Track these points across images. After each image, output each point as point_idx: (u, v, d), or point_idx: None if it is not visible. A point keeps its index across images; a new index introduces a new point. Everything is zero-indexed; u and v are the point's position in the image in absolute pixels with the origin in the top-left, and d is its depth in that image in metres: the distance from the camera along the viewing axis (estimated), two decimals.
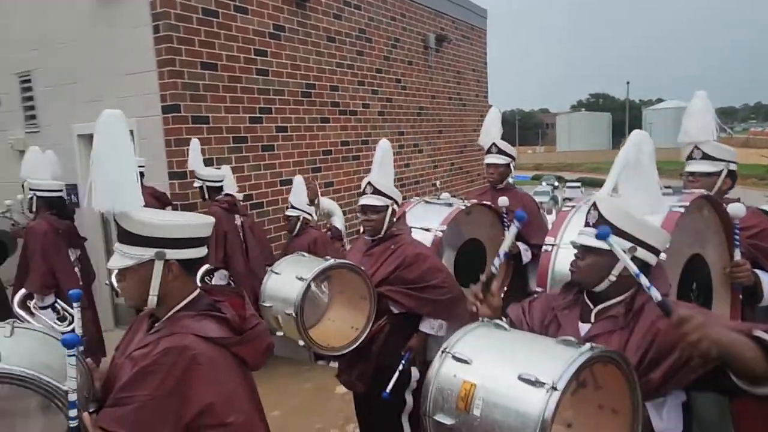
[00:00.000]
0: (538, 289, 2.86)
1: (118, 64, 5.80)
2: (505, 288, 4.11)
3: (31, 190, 4.76)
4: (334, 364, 5.54)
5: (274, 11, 6.57)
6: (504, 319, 1.97)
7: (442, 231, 3.56)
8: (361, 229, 3.22)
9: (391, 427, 3.14)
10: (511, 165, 4.37)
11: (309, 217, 5.35)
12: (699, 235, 2.59)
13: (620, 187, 1.99)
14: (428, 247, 3.29)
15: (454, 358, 1.59)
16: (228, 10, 5.99)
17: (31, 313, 4.16)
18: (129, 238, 1.55)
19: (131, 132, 5.62)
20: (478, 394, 1.49)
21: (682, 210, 2.30)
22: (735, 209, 2.57)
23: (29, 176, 4.83)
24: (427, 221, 3.65)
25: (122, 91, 5.79)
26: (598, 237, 1.74)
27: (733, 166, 2.94)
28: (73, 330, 1.59)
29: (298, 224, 5.24)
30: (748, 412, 2.13)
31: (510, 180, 4.44)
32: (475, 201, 3.99)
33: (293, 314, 2.67)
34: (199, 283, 1.73)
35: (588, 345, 1.49)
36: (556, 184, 38.93)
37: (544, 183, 37.85)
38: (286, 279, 2.85)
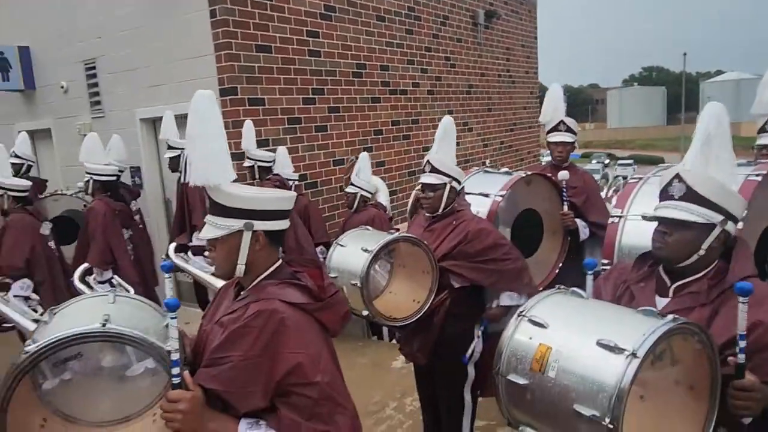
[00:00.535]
0: (604, 261, 2.85)
1: (177, 49, 5.99)
2: (560, 264, 4.09)
3: (88, 173, 5.10)
4: (387, 340, 5.69)
5: None
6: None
7: (501, 196, 3.56)
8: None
9: (452, 399, 3.20)
10: (576, 143, 4.31)
11: (368, 195, 5.42)
12: None
13: (694, 159, 1.95)
14: (490, 223, 3.31)
15: (531, 321, 1.63)
16: None
17: (90, 288, 4.43)
18: (220, 210, 1.64)
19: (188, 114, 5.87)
20: (554, 356, 1.52)
21: (759, 179, 2.24)
22: None
23: (86, 160, 5.15)
24: (485, 187, 3.66)
25: (181, 76, 5.98)
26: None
27: None
28: None
29: (357, 201, 5.32)
30: None
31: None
32: (535, 171, 3.97)
33: (358, 284, 2.76)
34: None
35: (670, 316, 1.49)
36: (607, 162, 37.82)
37: (594, 161, 36.82)
38: (352, 251, 2.94)
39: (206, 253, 1.72)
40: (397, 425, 4.12)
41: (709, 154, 1.85)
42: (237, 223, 1.63)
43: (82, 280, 4.54)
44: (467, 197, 3.34)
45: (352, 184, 5.35)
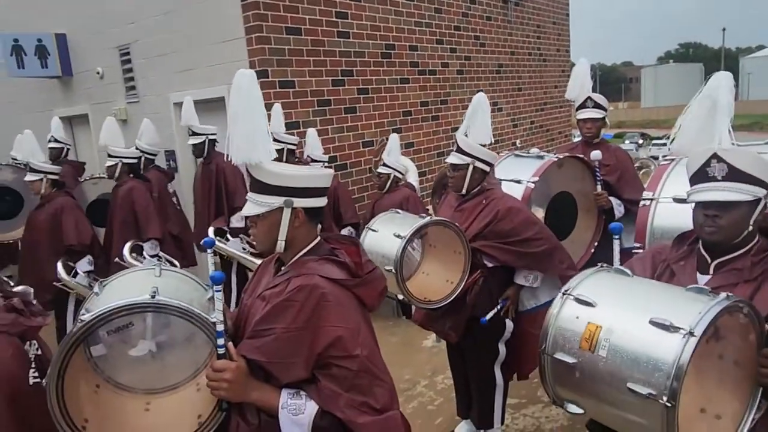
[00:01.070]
0: (636, 245, 2.81)
1: (209, 33, 6.06)
2: (596, 243, 4.05)
3: (113, 157, 5.16)
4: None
5: None
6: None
7: (533, 182, 3.54)
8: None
9: (483, 376, 3.24)
10: (606, 119, 4.24)
11: (400, 175, 5.44)
12: None
13: (725, 135, 1.93)
14: (520, 201, 3.30)
15: (577, 300, 1.63)
16: None
17: (140, 262, 4.57)
18: (261, 187, 1.68)
19: (222, 99, 5.88)
20: (604, 335, 1.52)
21: None
22: None
23: (108, 144, 5.26)
24: (517, 173, 3.64)
25: (213, 60, 6.06)
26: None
27: None
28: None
29: (389, 182, 5.35)
30: None
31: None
32: (567, 154, 3.93)
33: (393, 270, 2.79)
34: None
35: (723, 294, 1.48)
36: (641, 141, 36.89)
37: (627, 141, 35.97)
38: (384, 236, 2.97)
39: (250, 231, 1.76)
40: (428, 402, 4.18)
41: (728, 127, 1.82)
42: (277, 201, 1.67)
43: (131, 255, 4.71)
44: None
45: (385, 165, 5.37)
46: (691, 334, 1.38)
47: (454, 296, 3.01)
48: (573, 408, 1.66)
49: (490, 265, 3.07)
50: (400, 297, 2.92)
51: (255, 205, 1.70)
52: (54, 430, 1.53)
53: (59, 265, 4.32)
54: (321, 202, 1.76)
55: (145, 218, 4.97)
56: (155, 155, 6.18)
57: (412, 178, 6.95)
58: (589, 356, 1.54)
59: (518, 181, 3.53)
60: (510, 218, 3.02)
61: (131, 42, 7.02)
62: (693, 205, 1.85)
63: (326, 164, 5.74)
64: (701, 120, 2.21)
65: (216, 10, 5.92)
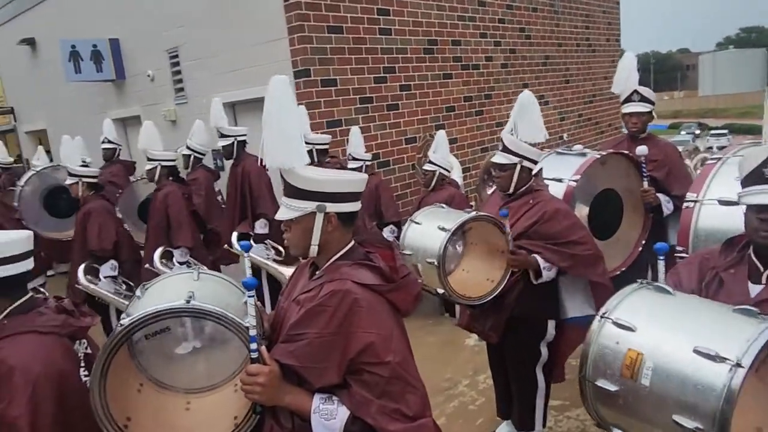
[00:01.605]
0: (679, 248, 2.70)
1: (253, 34, 6.17)
2: (643, 242, 3.91)
3: (152, 160, 5.21)
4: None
5: None
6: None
7: (575, 181, 3.44)
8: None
9: (524, 378, 3.18)
10: (653, 112, 4.09)
11: (446, 173, 5.38)
12: None
13: None
14: (567, 204, 3.22)
15: (616, 324, 1.56)
16: None
17: (169, 269, 4.65)
18: (294, 192, 1.70)
19: (264, 99, 6.01)
20: (646, 363, 1.45)
21: None
22: None
23: (148, 148, 5.36)
24: (559, 172, 3.55)
25: (257, 60, 6.16)
26: None
27: None
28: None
29: (434, 179, 5.30)
30: None
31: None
32: (611, 150, 3.80)
33: (435, 263, 2.77)
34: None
35: None
36: (698, 132, 35.39)
37: (683, 132, 34.59)
38: (427, 229, 2.96)
39: (284, 236, 1.78)
40: (469, 402, 4.14)
41: None
42: (310, 205, 1.68)
43: (161, 261, 4.82)
44: None
45: (431, 162, 5.33)
46: (738, 365, 1.30)
47: (494, 295, 2.97)
48: None
49: (536, 282, 3.00)
50: (440, 291, 2.89)
51: (288, 209, 1.71)
52: (97, 430, 1.60)
53: (80, 269, 4.47)
54: (354, 206, 1.76)
55: (177, 224, 4.98)
56: (204, 155, 6.34)
57: (456, 174, 6.89)
58: (632, 384, 1.48)
59: (559, 180, 3.45)
60: (557, 220, 2.96)
61: (179, 45, 7.22)
62: (743, 207, 1.75)
63: (368, 163, 5.72)
64: None
65: (259, 11, 6.02)
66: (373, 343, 1.58)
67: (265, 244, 5.05)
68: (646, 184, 3.75)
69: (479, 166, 7.64)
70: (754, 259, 1.79)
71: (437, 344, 5.16)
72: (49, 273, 7.72)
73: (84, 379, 1.76)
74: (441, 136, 5.46)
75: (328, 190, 1.69)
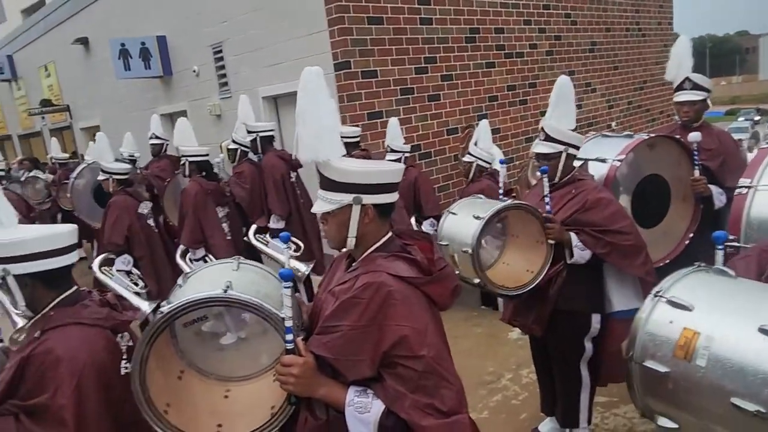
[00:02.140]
0: (731, 237, 2.55)
1: (294, 28, 6.21)
2: (691, 235, 3.72)
3: (183, 156, 5.33)
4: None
5: None
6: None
7: (619, 161, 3.28)
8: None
9: (568, 373, 3.10)
10: (708, 100, 3.88)
11: (485, 165, 5.29)
12: None
13: None
14: (611, 193, 3.10)
15: (670, 302, 1.49)
16: None
17: (189, 268, 4.74)
18: (330, 185, 1.68)
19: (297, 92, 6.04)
20: (703, 343, 1.38)
21: None
22: None
23: (180, 144, 5.48)
24: (602, 152, 3.39)
25: (298, 53, 6.21)
26: None
27: None
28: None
29: (473, 171, 5.23)
30: None
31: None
32: (660, 133, 3.63)
33: (470, 251, 2.73)
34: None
35: None
36: (757, 118, 33.62)
37: (741, 118, 32.95)
38: (463, 218, 2.92)
39: (321, 228, 1.77)
40: (512, 396, 4.07)
41: None
42: (346, 198, 1.66)
43: (183, 258, 4.95)
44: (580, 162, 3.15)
45: (470, 153, 5.26)
46: None
47: (533, 285, 2.90)
48: (665, 422, 1.52)
49: (569, 260, 2.91)
50: (476, 281, 2.84)
51: (324, 202, 1.70)
52: (139, 420, 1.64)
53: (97, 260, 4.60)
54: (391, 197, 1.74)
55: (184, 223, 5.09)
56: (249, 148, 6.44)
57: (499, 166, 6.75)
58: (685, 366, 1.41)
59: (603, 160, 3.29)
60: (600, 209, 2.86)
61: (223, 40, 7.35)
62: None
63: (407, 154, 5.66)
64: None
65: (300, 4, 6.05)
66: (407, 336, 1.55)
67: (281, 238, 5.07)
68: (697, 173, 3.56)
69: (523, 156, 7.49)
70: None
71: (480, 337, 5.10)
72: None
73: (123, 371, 1.80)
74: (484, 126, 5.35)
75: (364, 182, 1.67)
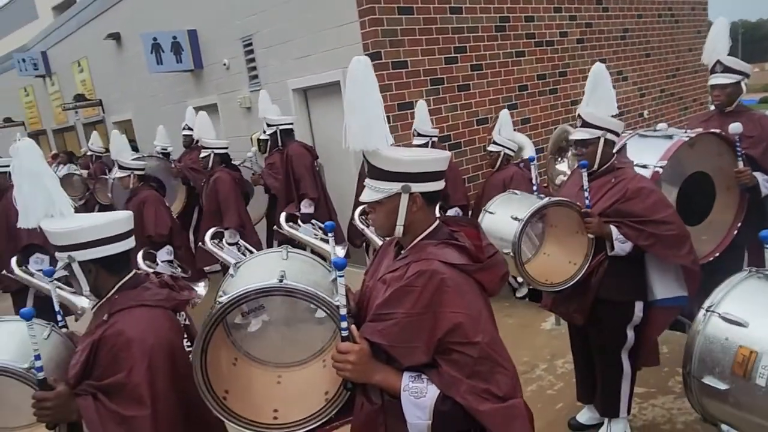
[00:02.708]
0: None
1: (323, 19, 6.21)
2: (739, 224, 3.66)
3: (206, 148, 5.62)
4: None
5: None
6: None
7: (661, 167, 3.24)
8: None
9: (609, 362, 3.08)
10: (743, 83, 3.78)
11: (511, 153, 5.28)
12: None
13: None
14: (652, 182, 3.06)
15: (724, 319, 1.47)
16: None
17: (220, 248, 4.86)
18: (378, 173, 1.70)
19: (337, 83, 6.08)
20: (762, 362, 1.37)
21: None
22: None
23: (202, 137, 5.67)
24: (643, 157, 3.34)
25: (328, 45, 6.21)
26: None
27: None
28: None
29: (500, 159, 5.21)
30: None
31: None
32: (700, 130, 3.55)
33: (511, 253, 2.73)
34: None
35: None
36: None
37: None
38: (501, 219, 2.91)
39: (370, 216, 1.80)
40: (547, 386, 4.07)
41: None
42: (395, 186, 1.68)
43: (212, 242, 5.04)
44: None
45: (495, 143, 5.24)
46: None
47: (578, 278, 2.89)
48: (729, 429, 1.51)
49: (610, 253, 2.89)
50: (520, 280, 2.85)
51: (373, 191, 1.72)
52: (200, 400, 1.69)
53: (139, 254, 4.74)
54: (439, 185, 1.75)
55: (225, 207, 5.36)
56: None
57: (529, 153, 6.70)
58: (744, 384, 1.40)
59: (644, 166, 3.24)
60: (640, 198, 2.83)
61: (253, 33, 7.39)
62: None
63: (434, 139, 5.62)
64: None
65: None
66: (462, 323, 1.57)
67: (312, 224, 5.21)
68: (741, 164, 3.48)
69: None
70: None
71: (513, 327, 5.09)
72: None
73: (187, 348, 1.87)
74: (504, 115, 5.36)
75: (412, 171, 1.68)
